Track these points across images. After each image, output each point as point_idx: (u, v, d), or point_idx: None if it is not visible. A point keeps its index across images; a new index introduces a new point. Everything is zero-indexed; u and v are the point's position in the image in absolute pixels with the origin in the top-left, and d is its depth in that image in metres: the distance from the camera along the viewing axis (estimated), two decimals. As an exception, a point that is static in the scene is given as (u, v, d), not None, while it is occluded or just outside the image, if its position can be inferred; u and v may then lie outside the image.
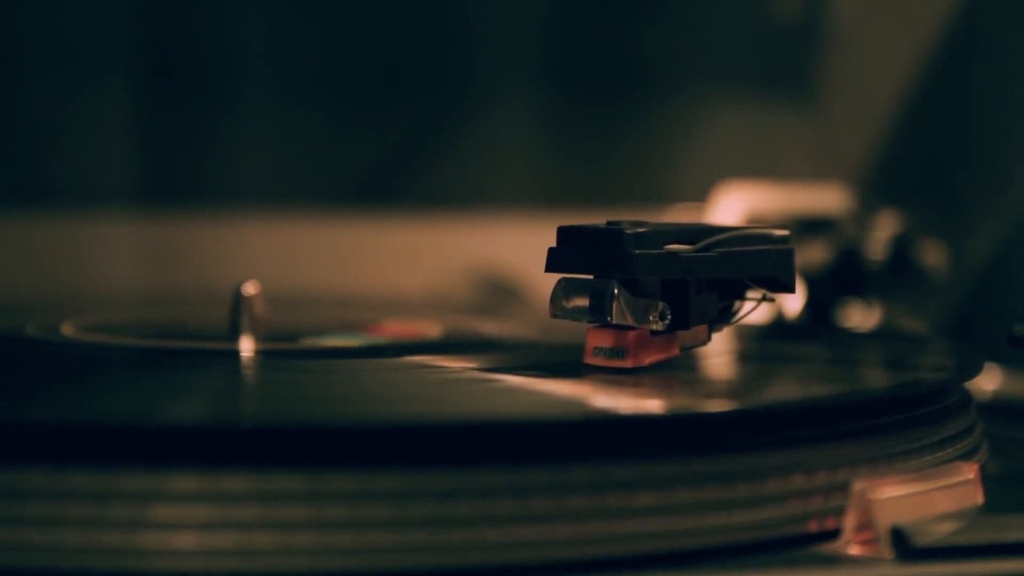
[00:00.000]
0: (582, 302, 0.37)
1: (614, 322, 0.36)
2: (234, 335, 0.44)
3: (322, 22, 0.74)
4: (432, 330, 0.49)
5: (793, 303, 0.57)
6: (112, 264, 0.71)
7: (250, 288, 0.45)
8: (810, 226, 0.59)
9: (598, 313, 0.36)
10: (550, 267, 0.37)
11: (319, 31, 0.74)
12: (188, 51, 0.73)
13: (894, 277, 0.58)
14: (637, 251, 0.36)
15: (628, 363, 0.37)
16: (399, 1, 0.75)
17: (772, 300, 0.39)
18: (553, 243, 0.37)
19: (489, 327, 0.51)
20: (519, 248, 0.66)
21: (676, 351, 0.38)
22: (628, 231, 0.36)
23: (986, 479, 0.35)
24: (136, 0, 0.72)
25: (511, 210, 0.74)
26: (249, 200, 0.73)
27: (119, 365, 0.42)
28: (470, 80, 0.76)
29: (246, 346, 0.43)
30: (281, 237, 0.73)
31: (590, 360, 0.37)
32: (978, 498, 0.34)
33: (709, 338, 0.39)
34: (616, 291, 0.36)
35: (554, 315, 0.37)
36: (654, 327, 0.37)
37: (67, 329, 0.47)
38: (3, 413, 0.32)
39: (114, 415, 0.32)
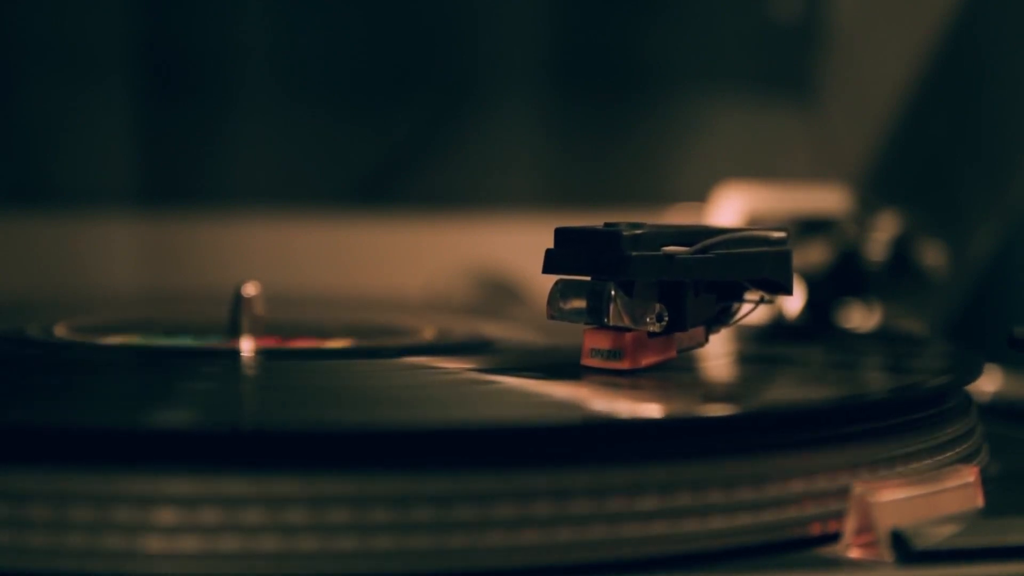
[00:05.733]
0: (579, 304, 0.37)
1: (611, 324, 0.36)
2: (234, 335, 0.44)
3: (323, 22, 0.74)
4: (431, 331, 0.49)
5: (793, 304, 0.57)
6: (112, 264, 0.71)
7: (250, 288, 0.45)
8: (810, 227, 0.59)
9: (595, 315, 0.36)
10: (547, 269, 0.37)
11: (320, 31, 0.74)
12: (188, 51, 0.73)
13: (894, 278, 0.58)
14: (634, 253, 0.36)
15: (625, 365, 0.37)
16: (399, 1, 0.75)
17: (770, 302, 0.39)
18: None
19: (488, 328, 0.51)
20: (519, 248, 0.66)
21: (674, 353, 0.38)
22: (625, 233, 0.36)
23: (986, 481, 0.35)
24: (136, 0, 0.71)
25: (511, 210, 0.74)
26: (249, 200, 0.73)
27: (118, 366, 0.42)
28: (470, 80, 0.76)
29: (246, 346, 0.43)
30: (281, 237, 0.73)
31: (587, 362, 0.37)
32: (978, 501, 0.34)
33: (707, 340, 0.39)
34: (613, 293, 0.36)
35: (551, 317, 0.37)
36: (651, 329, 0.37)
37: (66, 329, 0.47)
38: (1, 415, 0.32)
39: (112, 417, 0.32)
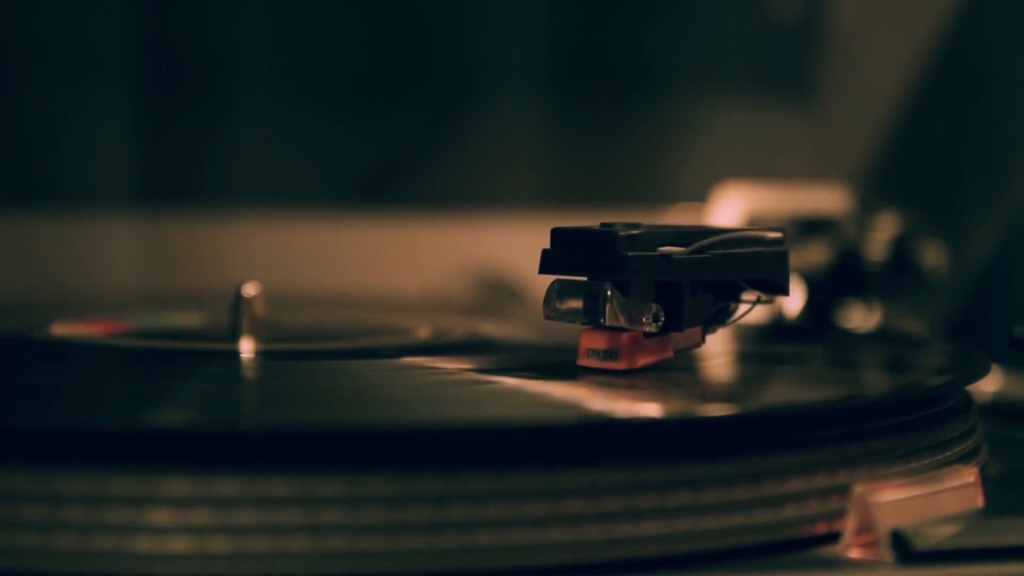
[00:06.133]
0: (576, 304, 0.37)
1: (607, 324, 0.36)
2: (234, 336, 0.44)
3: (323, 21, 0.74)
4: (430, 331, 0.49)
5: (793, 304, 0.57)
6: (112, 264, 0.71)
7: (250, 289, 0.44)
8: (810, 227, 0.59)
9: (591, 315, 0.36)
10: (544, 269, 0.37)
11: (320, 31, 0.74)
12: (188, 51, 0.73)
13: (894, 278, 0.58)
14: (630, 253, 0.36)
15: (622, 365, 0.37)
16: (399, 1, 0.75)
17: (767, 302, 0.39)
18: (553, 244, 0.37)
19: (488, 327, 0.51)
20: (519, 248, 0.66)
21: (670, 353, 0.38)
22: (621, 233, 0.36)
23: (986, 481, 0.35)
24: (136, 0, 0.71)
25: (511, 210, 0.74)
26: (249, 200, 0.73)
27: (118, 366, 0.42)
28: (471, 80, 0.76)
29: (246, 347, 0.43)
30: (281, 237, 0.73)
31: (584, 362, 0.37)
32: (978, 501, 0.34)
33: (703, 340, 0.39)
34: (609, 293, 0.36)
35: (548, 317, 0.37)
36: (648, 329, 0.37)
37: (65, 329, 0.47)
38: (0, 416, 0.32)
39: (110, 418, 0.32)
